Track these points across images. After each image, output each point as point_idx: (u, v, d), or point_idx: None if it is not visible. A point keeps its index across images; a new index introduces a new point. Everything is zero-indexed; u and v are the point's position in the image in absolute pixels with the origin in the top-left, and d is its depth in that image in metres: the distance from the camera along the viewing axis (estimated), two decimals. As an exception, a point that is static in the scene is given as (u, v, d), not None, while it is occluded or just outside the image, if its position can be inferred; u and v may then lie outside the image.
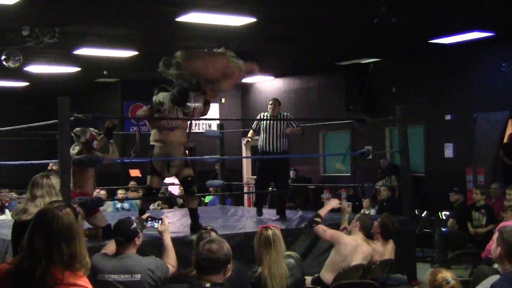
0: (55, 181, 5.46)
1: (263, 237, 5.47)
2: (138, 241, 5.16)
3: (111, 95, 18.53)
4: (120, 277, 4.89)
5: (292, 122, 9.79)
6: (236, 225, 9.12)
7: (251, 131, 10.11)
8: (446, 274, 4.22)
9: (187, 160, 8.23)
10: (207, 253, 4.03)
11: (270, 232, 5.47)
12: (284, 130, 9.63)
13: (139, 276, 4.90)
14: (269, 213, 10.31)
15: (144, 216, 5.85)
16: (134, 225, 5.14)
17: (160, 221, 5.67)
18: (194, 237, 5.70)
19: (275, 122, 9.61)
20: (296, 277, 5.48)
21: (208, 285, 3.85)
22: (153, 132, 7.93)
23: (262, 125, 9.73)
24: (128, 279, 4.89)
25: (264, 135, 9.68)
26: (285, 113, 10.05)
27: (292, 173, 16.26)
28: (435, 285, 4.25)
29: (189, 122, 8.14)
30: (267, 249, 5.41)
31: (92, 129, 7.42)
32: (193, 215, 8.01)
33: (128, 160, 13.55)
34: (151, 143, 7.96)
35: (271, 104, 9.80)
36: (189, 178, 7.97)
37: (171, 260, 5.37)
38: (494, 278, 4.91)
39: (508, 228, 4.49)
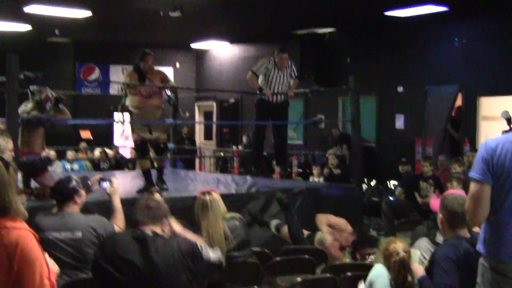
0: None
1: (200, 202, 5.51)
2: (79, 199, 5.12)
3: (63, 56, 18.18)
4: (61, 234, 4.85)
5: (293, 73, 9.78)
6: (186, 188, 9.11)
7: (253, 75, 9.77)
8: (399, 245, 4.31)
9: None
10: (144, 207, 4.01)
11: (207, 196, 5.50)
12: (287, 85, 9.63)
13: (80, 233, 4.86)
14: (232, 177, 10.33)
15: (97, 177, 5.77)
16: (73, 183, 5.09)
17: (109, 182, 5.62)
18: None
19: (281, 75, 9.56)
20: (241, 238, 5.50)
21: (149, 232, 3.82)
22: (132, 98, 7.98)
23: (267, 76, 9.59)
24: (69, 236, 4.84)
25: (268, 85, 9.58)
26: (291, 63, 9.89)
27: (245, 138, 16.27)
28: (386, 254, 4.33)
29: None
30: (204, 213, 5.45)
31: (50, 91, 7.29)
32: (147, 176, 8.02)
33: (80, 122, 13.42)
34: (130, 109, 8.05)
35: (285, 58, 9.58)
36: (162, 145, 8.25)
37: (118, 222, 5.32)
38: (425, 240, 4.99)
39: (450, 195, 4.51)
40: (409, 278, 4.21)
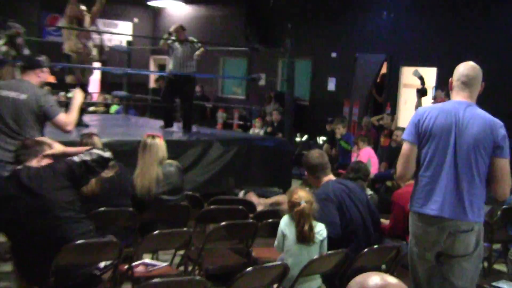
0: None
1: (143, 143, 5.29)
2: (41, 75, 5.15)
3: (29, 4, 17.38)
4: (10, 93, 4.92)
5: (195, 44, 9.32)
6: (134, 133, 8.84)
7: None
8: (301, 195, 4.14)
9: None
10: (22, 147, 4.19)
11: (150, 139, 5.27)
12: (191, 54, 9.18)
13: (25, 96, 4.91)
14: (178, 126, 10.05)
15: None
16: (42, 58, 5.22)
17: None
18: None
19: (183, 47, 9.13)
20: (174, 184, 5.28)
21: (21, 167, 3.97)
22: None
23: (172, 52, 9.21)
24: (15, 96, 4.91)
25: (174, 61, 9.21)
26: (191, 37, 9.48)
27: (198, 89, 15.95)
28: (290, 204, 4.18)
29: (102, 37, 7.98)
30: (143, 153, 5.23)
31: (19, 26, 7.05)
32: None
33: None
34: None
35: (176, 31, 9.22)
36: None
37: (68, 115, 5.14)
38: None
39: (307, 153, 4.79)
40: (306, 227, 4.06)
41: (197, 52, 9.14)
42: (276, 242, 4.27)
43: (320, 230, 4.17)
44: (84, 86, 8.07)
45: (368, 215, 4.61)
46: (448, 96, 8.63)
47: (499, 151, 3.61)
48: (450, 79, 3.82)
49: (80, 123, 7.92)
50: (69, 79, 8.08)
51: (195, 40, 9.35)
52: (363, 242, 4.47)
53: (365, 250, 4.30)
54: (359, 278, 1.72)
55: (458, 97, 3.75)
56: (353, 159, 8.76)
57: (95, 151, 4.10)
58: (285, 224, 4.18)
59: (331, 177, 4.64)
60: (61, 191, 3.88)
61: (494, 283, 3.22)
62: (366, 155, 8.61)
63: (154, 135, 5.34)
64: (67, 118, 5.07)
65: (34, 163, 4.04)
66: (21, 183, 3.85)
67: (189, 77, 9.24)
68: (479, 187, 3.64)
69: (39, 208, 3.83)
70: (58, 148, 4.25)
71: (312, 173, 4.64)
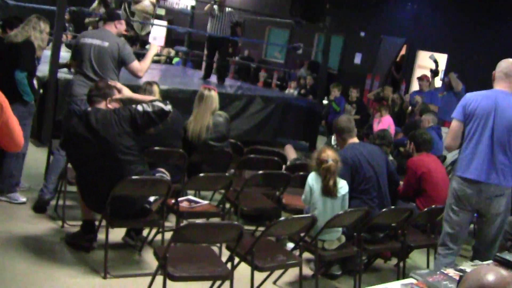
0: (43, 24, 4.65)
1: (199, 93, 4.86)
2: (119, 26, 4.76)
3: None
4: (94, 41, 4.59)
5: (233, 18, 8.78)
6: (189, 83, 8.42)
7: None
8: (329, 154, 3.79)
9: None
10: (95, 87, 3.82)
11: (206, 91, 4.83)
12: (227, 20, 8.57)
13: (107, 43, 4.56)
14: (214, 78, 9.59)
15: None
16: (120, 13, 4.96)
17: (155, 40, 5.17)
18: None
19: (221, 13, 8.54)
20: (221, 132, 4.85)
21: (90, 108, 3.66)
22: None
23: (213, 16, 8.61)
24: (99, 43, 4.58)
25: (211, 24, 8.64)
26: (231, 10, 8.83)
27: (246, 52, 15.46)
28: (318, 161, 3.82)
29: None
30: (198, 103, 4.81)
31: None
32: None
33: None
34: None
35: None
36: None
37: (141, 63, 4.73)
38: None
39: (339, 117, 4.56)
40: (331, 183, 3.72)
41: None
42: (303, 196, 3.90)
43: (343, 186, 3.84)
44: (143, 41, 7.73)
45: (385, 176, 4.25)
46: (459, 79, 8.04)
47: None
48: (493, 72, 3.75)
49: None
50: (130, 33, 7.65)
51: (233, 10, 8.93)
52: (376, 199, 4.14)
53: (383, 210, 3.99)
54: (474, 275, 1.43)
55: (499, 86, 3.71)
56: (375, 125, 8.21)
57: (158, 103, 3.68)
58: (312, 179, 3.83)
59: (355, 140, 4.31)
60: (123, 136, 3.53)
61: (498, 254, 2.78)
62: (387, 122, 8.05)
63: (210, 88, 4.90)
64: (141, 65, 4.70)
65: (103, 105, 3.69)
66: (90, 125, 3.53)
67: (224, 38, 8.71)
68: (510, 160, 3.65)
69: (102, 150, 3.52)
70: (126, 93, 3.86)
71: (340, 134, 4.33)
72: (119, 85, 3.91)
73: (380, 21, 13.02)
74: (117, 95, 3.77)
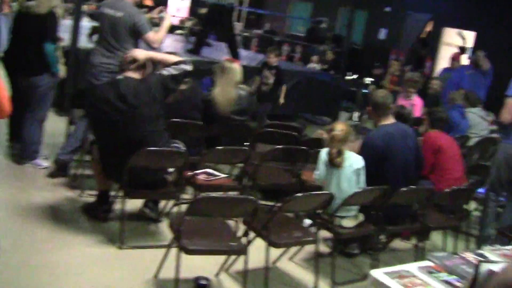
0: None
1: (221, 65, 4.75)
2: None
3: None
4: (109, 11, 4.49)
5: None
6: (211, 55, 8.28)
7: None
8: (337, 125, 3.75)
9: None
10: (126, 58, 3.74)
11: (228, 63, 4.72)
12: None
13: (121, 14, 4.43)
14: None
15: (158, 9, 5.16)
16: None
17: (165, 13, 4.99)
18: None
19: None
20: (243, 105, 4.76)
21: (121, 76, 3.62)
22: None
23: None
24: (113, 13, 4.46)
25: None
26: None
27: (268, 25, 15.23)
28: (329, 130, 3.76)
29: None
30: (221, 75, 4.70)
31: None
32: None
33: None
34: None
35: None
36: None
37: (157, 33, 4.56)
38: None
39: (376, 91, 4.38)
40: (334, 150, 3.63)
41: None
42: (317, 172, 3.78)
43: (354, 160, 3.68)
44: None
45: (413, 158, 4.05)
46: (487, 57, 7.80)
47: None
48: None
49: None
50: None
51: None
52: (402, 181, 3.92)
53: (403, 189, 3.78)
54: (500, 277, 1.39)
55: None
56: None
57: (181, 66, 3.67)
58: (324, 153, 3.76)
59: (390, 120, 3.99)
60: (151, 106, 3.48)
61: (477, 251, 2.65)
62: (419, 103, 7.76)
63: (232, 60, 4.80)
64: (156, 36, 4.54)
65: (133, 75, 3.64)
66: (119, 91, 3.46)
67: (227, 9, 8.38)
68: None
69: (129, 118, 3.45)
70: (146, 55, 3.78)
71: (375, 110, 4.00)
72: (137, 51, 3.80)
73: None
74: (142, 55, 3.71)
